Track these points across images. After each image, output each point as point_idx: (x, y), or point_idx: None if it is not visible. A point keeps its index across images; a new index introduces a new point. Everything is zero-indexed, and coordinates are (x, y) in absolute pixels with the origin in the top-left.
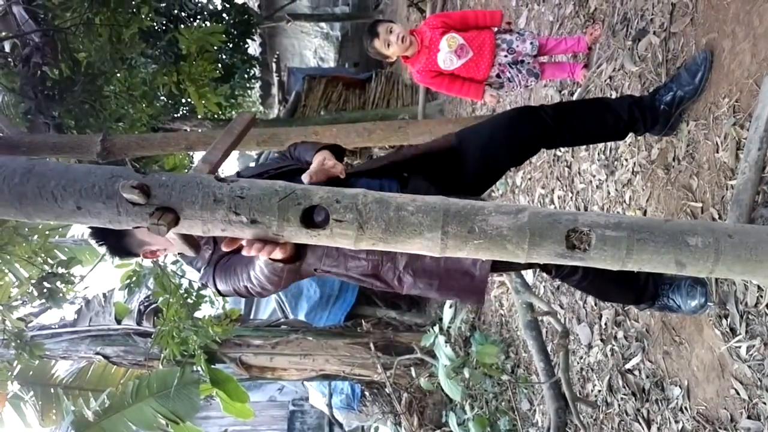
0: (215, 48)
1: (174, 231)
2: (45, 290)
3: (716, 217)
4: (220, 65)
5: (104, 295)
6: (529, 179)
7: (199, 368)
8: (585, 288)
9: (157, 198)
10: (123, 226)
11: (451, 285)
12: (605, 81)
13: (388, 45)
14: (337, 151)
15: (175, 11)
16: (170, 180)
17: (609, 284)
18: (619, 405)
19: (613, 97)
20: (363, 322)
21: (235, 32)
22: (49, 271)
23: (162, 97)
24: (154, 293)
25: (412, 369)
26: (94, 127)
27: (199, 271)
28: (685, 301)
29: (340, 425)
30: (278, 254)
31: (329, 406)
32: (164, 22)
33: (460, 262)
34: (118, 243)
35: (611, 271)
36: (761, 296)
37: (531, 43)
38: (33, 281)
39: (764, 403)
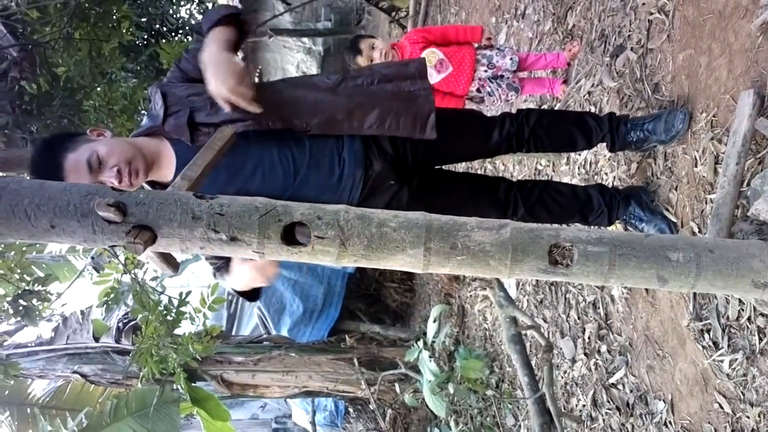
0: None
1: (151, 249)
2: (21, 308)
3: (696, 231)
4: None
5: (82, 312)
6: None
7: (178, 386)
8: (539, 132)
9: (134, 216)
10: (98, 245)
11: (394, 107)
12: (584, 96)
13: (371, 61)
14: (239, 25)
15: (156, 26)
16: (147, 197)
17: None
18: (604, 420)
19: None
20: (347, 337)
21: None
22: (26, 288)
23: (143, 112)
24: (132, 310)
25: (397, 385)
26: None
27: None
28: (660, 130)
29: None
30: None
31: (312, 423)
32: (145, 36)
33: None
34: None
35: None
36: (742, 310)
37: (511, 58)
38: (8, 299)
39: (747, 417)
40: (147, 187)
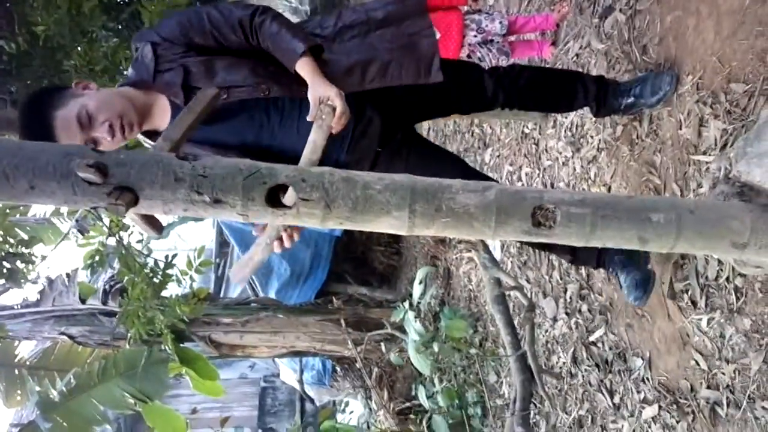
0: None
1: (133, 211)
2: (5, 270)
3: (678, 193)
4: None
5: (68, 274)
6: (498, 156)
7: (166, 347)
8: (522, 88)
9: (115, 177)
10: (79, 206)
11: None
12: (572, 58)
13: None
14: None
15: None
16: (128, 158)
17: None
18: (583, 376)
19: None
20: (334, 299)
21: (200, 5)
22: (9, 250)
23: (124, 72)
24: (118, 273)
25: (383, 344)
26: None
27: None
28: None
29: (312, 400)
30: None
31: (300, 382)
32: None
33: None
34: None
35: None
36: (721, 270)
37: (500, 22)
38: None
39: (723, 374)
40: (143, 138)
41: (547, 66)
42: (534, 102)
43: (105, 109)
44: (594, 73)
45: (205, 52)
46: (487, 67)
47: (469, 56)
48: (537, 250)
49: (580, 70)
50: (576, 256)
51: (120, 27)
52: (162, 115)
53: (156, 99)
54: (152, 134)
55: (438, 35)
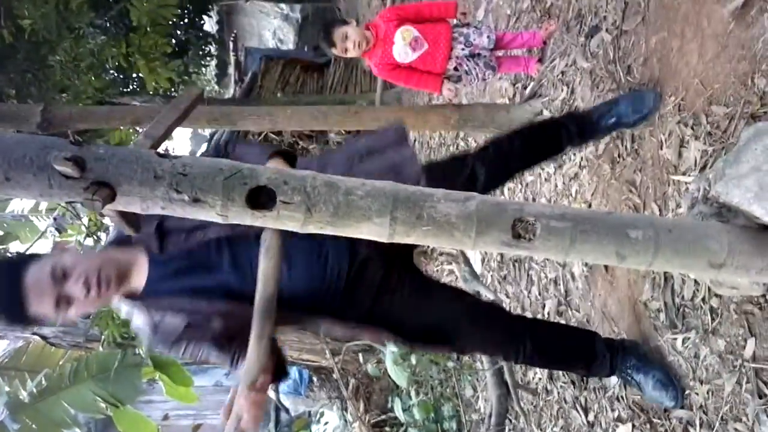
0: (169, 22)
1: (110, 207)
2: None
3: (657, 212)
4: (173, 40)
5: None
6: None
7: (140, 351)
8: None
9: (93, 172)
10: (55, 199)
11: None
12: (557, 76)
13: (345, 51)
14: (291, 158)
15: None
16: (107, 153)
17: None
18: (559, 393)
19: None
20: None
21: (191, 7)
22: None
23: (111, 71)
24: None
25: (360, 355)
26: (36, 97)
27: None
28: (649, 388)
29: (287, 410)
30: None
31: (276, 390)
32: None
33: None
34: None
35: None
36: (697, 290)
37: (488, 36)
38: None
39: (697, 394)
40: (120, 302)
41: (528, 90)
42: (506, 175)
43: (81, 264)
44: (579, 91)
45: None
46: (472, 80)
47: (456, 68)
48: (518, 266)
49: (565, 88)
50: (590, 370)
51: (108, 24)
52: (139, 275)
53: (135, 257)
54: (130, 297)
55: (426, 47)
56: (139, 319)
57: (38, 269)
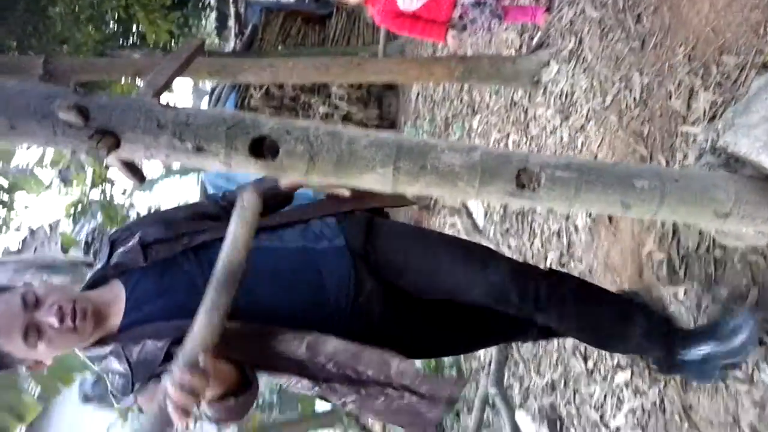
0: None
1: (114, 156)
2: None
3: (664, 163)
4: None
5: (50, 225)
6: (486, 123)
7: None
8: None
9: (97, 120)
10: (60, 146)
11: (399, 419)
12: (565, 26)
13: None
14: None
15: None
16: (110, 102)
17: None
18: (558, 341)
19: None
20: None
21: None
22: None
23: (110, 23)
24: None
25: None
26: (37, 49)
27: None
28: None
29: None
30: (213, 392)
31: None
32: None
33: (413, 406)
34: None
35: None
36: (702, 241)
37: None
38: None
39: None
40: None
41: (536, 40)
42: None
43: (55, 293)
44: (587, 41)
45: None
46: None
47: (461, 17)
48: (521, 219)
49: (573, 38)
50: (660, 365)
51: None
52: (116, 313)
53: (111, 292)
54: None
55: None
56: (114, 363)
57: (9, 293)
